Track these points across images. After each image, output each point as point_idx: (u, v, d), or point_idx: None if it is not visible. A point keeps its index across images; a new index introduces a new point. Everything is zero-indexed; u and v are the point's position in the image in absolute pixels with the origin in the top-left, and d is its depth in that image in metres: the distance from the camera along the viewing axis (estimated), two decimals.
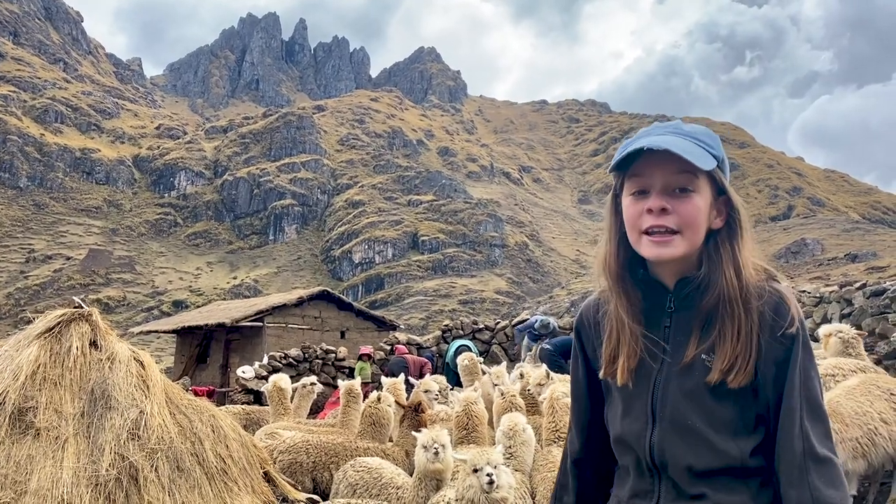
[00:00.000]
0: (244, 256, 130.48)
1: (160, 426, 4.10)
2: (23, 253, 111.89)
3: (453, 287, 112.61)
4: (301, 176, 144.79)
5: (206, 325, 19.56)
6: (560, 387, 5.16)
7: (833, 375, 5.17)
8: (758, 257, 1.44)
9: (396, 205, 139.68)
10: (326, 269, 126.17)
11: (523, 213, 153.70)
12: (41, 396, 3.89)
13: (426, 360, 11.83)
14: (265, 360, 12.85)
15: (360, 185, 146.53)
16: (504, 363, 8.43)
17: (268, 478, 4.88)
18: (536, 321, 11.47)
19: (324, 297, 21.88)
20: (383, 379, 8.11)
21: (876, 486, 5.08)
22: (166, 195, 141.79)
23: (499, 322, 14.78)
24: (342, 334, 21.40)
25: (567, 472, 1.68)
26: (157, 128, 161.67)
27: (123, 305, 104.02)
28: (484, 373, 7.97)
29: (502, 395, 5.74)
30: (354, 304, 23.67)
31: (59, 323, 4.31)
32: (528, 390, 6.27)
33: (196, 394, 7.09)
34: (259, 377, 12.00)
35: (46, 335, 4.22)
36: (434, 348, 13.78)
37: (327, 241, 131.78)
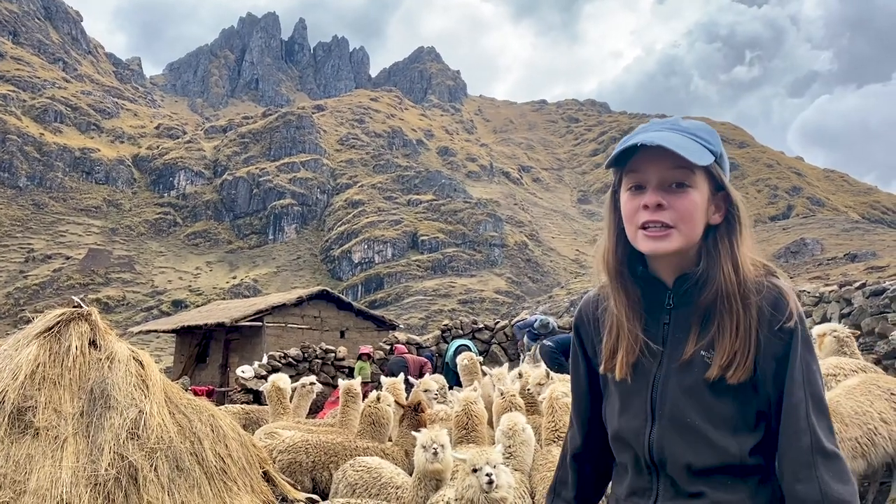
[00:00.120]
0: (244, 256, 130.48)
1: (159, 426, 4.10)
2: (22, 252, 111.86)
3: (453, 287, 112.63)
4: (300, 176, 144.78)
5: (206, 324, 19.56)
6: (559, 386, 5.15)
7: (834, 375, 5.17)
8: (757, 254, 1.43)
9: (396, 204, 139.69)
10: (326, 269, 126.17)
11: (523, 213, 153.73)
12: (40, 396, 3.89)
13: (426, 360, 11.83)
14: (264, 360, 12.84)
15: (359, 184, 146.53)
16: (506, 364, 8.43)
17: (267, 477, 4.88)
18: (536, 321, 11.45)
19: (323, 296, 21.88)
20: (383, 378, 8.11)
21: (875, 486, 5.07)
22: (166, 195, 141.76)
23: (498, 322, 14.78)
24: (342, 334, 21.40)
25: (567, 467, 1.67)
26: (157, 127, 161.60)
27: (123, 305, 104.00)
28: (484, 374, 7.96)
29: (502, 394, 5.73)
30: (354, 303, 23.67)
31: (58, 322, 4.31)
32: (528, 390, 6.27)
33: (195, 393, 7.09)
34: (258, 377, 12.00)
35: (46, 335, 4.22)
36: (433, 348, 13.78)
37: (327, 241, 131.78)
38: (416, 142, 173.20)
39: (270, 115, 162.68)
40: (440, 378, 8.39)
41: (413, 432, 4.84)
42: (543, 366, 7.34)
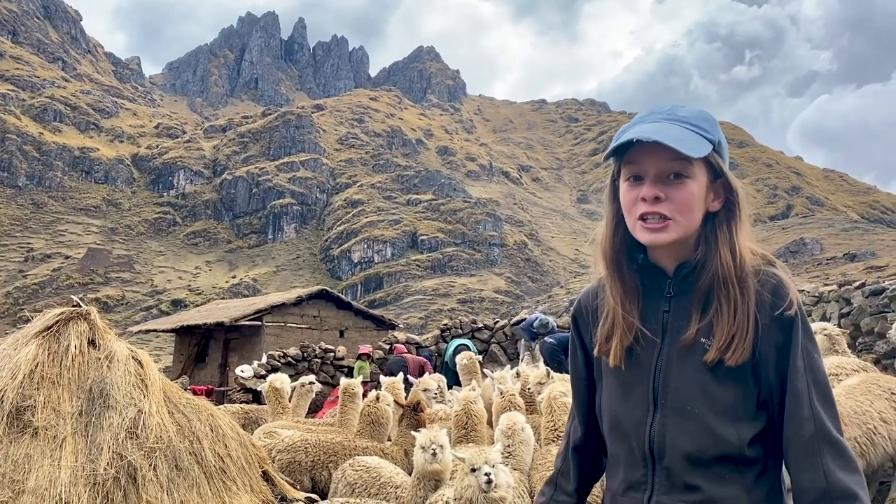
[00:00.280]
0: (243, 255, 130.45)
1: (158, 425, 4.10)
2: (21, 252, 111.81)
3: (452, 286, 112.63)
4: (300, 175, 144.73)
5: (205, 324, 19.56)
6: (558, 386, 5.15)
7: (836, 375, 5.17)
8: (756, 243, 1.43)
9: (395, 204, 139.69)
10: (325, 269, 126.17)
11: (522, 213, 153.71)
12: (39, 395, 3.88)
13: (426, 360, 11.81)
14: (264, 360, 12.83)
15: (359, 184, 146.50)
16: (507, 366, 8.41)
17: (266, 477, 4.88)
18: (536, 320, 11.44)
19: (323, 296, 21.89)
20: (382, 378, 8.10)
21: (875, 486, 5.07)
22: (165, 194, 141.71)
23: (498, 321, 14.76)
24: (341, 333, 21.40)
25: (567, 459, 1.67)
26: (156, 127, 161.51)
27: (122, 304, 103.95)
28: (484, 375, 7.95)
29: (501, 393, 5.73)
30: (353, 303, 23.68)
31: (57, 322, 4.30)
32: (529, 389, 6.27)
33: (195, 393, 7.08)
34: (258, 376, 11.99)
35: (45, 334, 4.21)
36: (433, 347, 13.77)
37: (326, 241, 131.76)
38: (416, 141, 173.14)
39: (270, 114, 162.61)
40: (441, 378, 8.39)
41: (412, 432, 4.83)
42: (543, 365, 7.33)
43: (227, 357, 19.93)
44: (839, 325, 9.14)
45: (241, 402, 10.65)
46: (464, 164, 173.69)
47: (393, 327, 22.71)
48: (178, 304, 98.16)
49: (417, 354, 12.66)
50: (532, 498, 4.49)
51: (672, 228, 1.38)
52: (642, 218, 1.39)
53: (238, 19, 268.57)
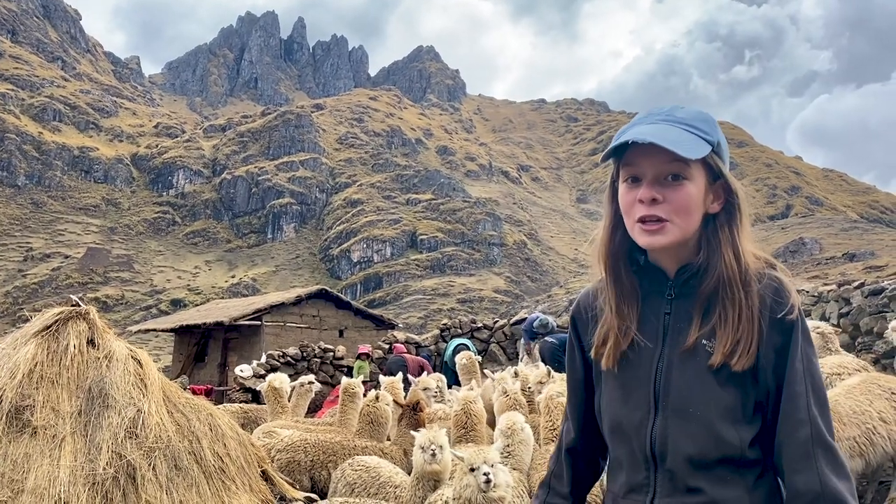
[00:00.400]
0: (242, 255, 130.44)
1: (158, 425, 4.09)
2: (21, 251, 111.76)
3: (452, 286, 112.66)
4: (299, 175, 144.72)
5: (205, 323, 19.56)
6: (557, 386, 5.15)
7: (838, 374, 5.17)
8: (757, 245, 1.43)
9: (395, 204, 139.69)
10: (325, 268, 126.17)
11: (522, 212, 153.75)
12: (38, 395, 3.88)
13: (425, 360, 11.81)
14: (263, 359, 12.84)
15: (358, 183, 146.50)
16: (508, 366, 8.40)
17: (266, 476, 4.87)
18: (535, 319, 11.44)
19: (322, 295, 21.89)
20: (381, 377, 8.10)
21: (874, 485, 5.08)
22: (164, 194, 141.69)
23: (497, 321, 14.75)
24: (340, 333, 21.41)
25: (561, 461, 1.66)
26: (156, 126, 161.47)
27: (121, 304, 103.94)
28: (484, 375, 7.94)
29: (505, 392, 5.73)
30: (353, 302, 23.69)
31: (56, 321, 4.29)
32: (529, 389, 6.27)
33: (194, 392, 7.08)
34: (257, 376, 11.99)
35: (44, 333, 4.21)
36: (432, 347, 13.77)
37: (326, 240, 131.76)
38: (415, 141, 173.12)
39: (269, 114, 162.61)
40: (441, 377, 8.38)
41: (412, 432, 4.83)
42: (542, 364, 7.33)
43: (227, 357, 19.93)
44: (838, 325, 9.16)
45: (241, 402, 10.65)
46: (463, 164, 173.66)
47: (392, 327, 22.71)
48: (177, 304, 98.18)
49: (417, 354, 12.67)
50: (531, 498, 4.50)
51: (669, 231, 1.37)
52: (641, 220, 1.38)
53: (237, 19, 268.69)
